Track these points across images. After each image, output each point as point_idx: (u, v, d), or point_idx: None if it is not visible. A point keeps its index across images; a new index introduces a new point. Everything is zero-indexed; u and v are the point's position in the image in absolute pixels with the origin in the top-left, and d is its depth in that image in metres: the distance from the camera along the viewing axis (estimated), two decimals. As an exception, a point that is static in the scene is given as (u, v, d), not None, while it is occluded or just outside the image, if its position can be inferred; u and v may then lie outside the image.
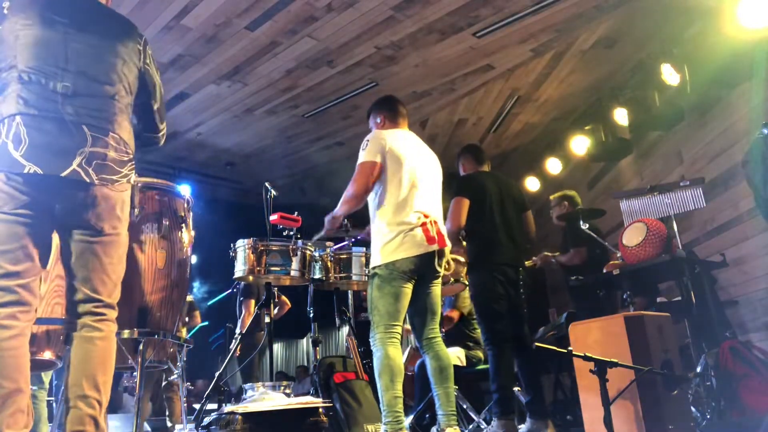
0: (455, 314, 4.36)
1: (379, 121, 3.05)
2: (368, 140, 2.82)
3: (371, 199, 2.85)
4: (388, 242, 2.67)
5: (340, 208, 2.88)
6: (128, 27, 2.10)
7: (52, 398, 3.36)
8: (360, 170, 2.78)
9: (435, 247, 2.68)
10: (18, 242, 1.72)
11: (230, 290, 5.82)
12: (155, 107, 2.19)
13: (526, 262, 3.88)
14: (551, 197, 4.90)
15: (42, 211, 1.78)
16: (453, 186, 3.50)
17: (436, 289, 2.82)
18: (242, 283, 4.94)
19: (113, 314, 1.91)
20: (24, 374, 1.68)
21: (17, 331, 1.68)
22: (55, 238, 1.90)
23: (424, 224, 2.69)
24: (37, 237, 1.78)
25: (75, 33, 1.91)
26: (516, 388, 3.61)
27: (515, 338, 3.38)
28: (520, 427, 3.34)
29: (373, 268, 2.72)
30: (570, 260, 4.48)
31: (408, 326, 3.03)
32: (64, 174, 1.77)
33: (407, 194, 2.73)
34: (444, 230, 2.81)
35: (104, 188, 1.85)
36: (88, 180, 1.81)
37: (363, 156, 2.79)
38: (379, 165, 2.76)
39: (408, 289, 2.68)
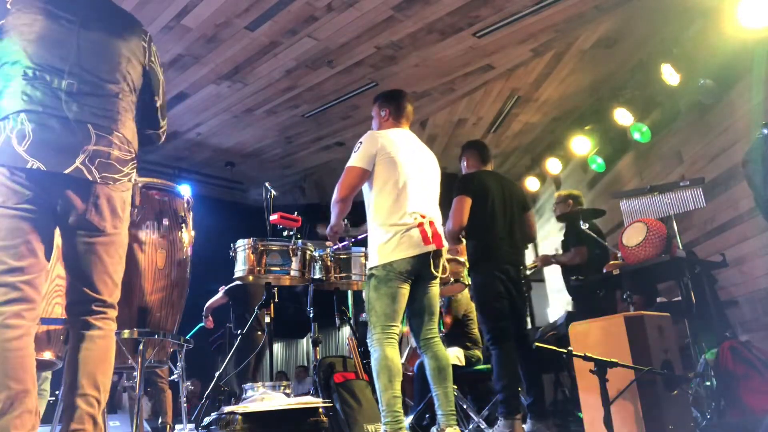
0: (449, 320, 4.34)
1: (383, 114, 3.03)
2: (361, 142, 2.82)
3: (367, 200, 2.85)
4: (385, 243, 2.66)
5: (333, 217, 2.88)
6: (133, 23, 2.07)
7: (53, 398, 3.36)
8: (346, 174, 2.79)
9: (432, 247, 2.67)
10: (22, 237, 1.70)
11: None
12: (158, 104, 2.17)
13: (527, 265, 3.88)
14: (556, 194, 4.90)
15: (45, 207, 1.76)
16: (455, 184, 3.50)
17: (435, 289, 2.80)
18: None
19: (113, 313, 1.91)
20: (31, 374, 1.66)
21: (23, 331, 1.66)
22: (57, 238, 1.89)
23: (420, 224, 2.67)
24: (40, 233, 1.76)
25: (80, 30, 1.88)
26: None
27: (517, 337, 3.38)
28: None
29: (370, 269, 2.71)
30: (571, 260, 4.47)
31: (406, 329, 3.00)
32: (67, 171, 1.75)
33: (403, 195, 2.71)
34: (441, 231, 2.79)
35: (106, 187, 1.84)
36: (90, 178, 1.79)
37: (353, 159, 2.79)
38: (366, 172, 2.76)
39: (405, 289, 2.67)
